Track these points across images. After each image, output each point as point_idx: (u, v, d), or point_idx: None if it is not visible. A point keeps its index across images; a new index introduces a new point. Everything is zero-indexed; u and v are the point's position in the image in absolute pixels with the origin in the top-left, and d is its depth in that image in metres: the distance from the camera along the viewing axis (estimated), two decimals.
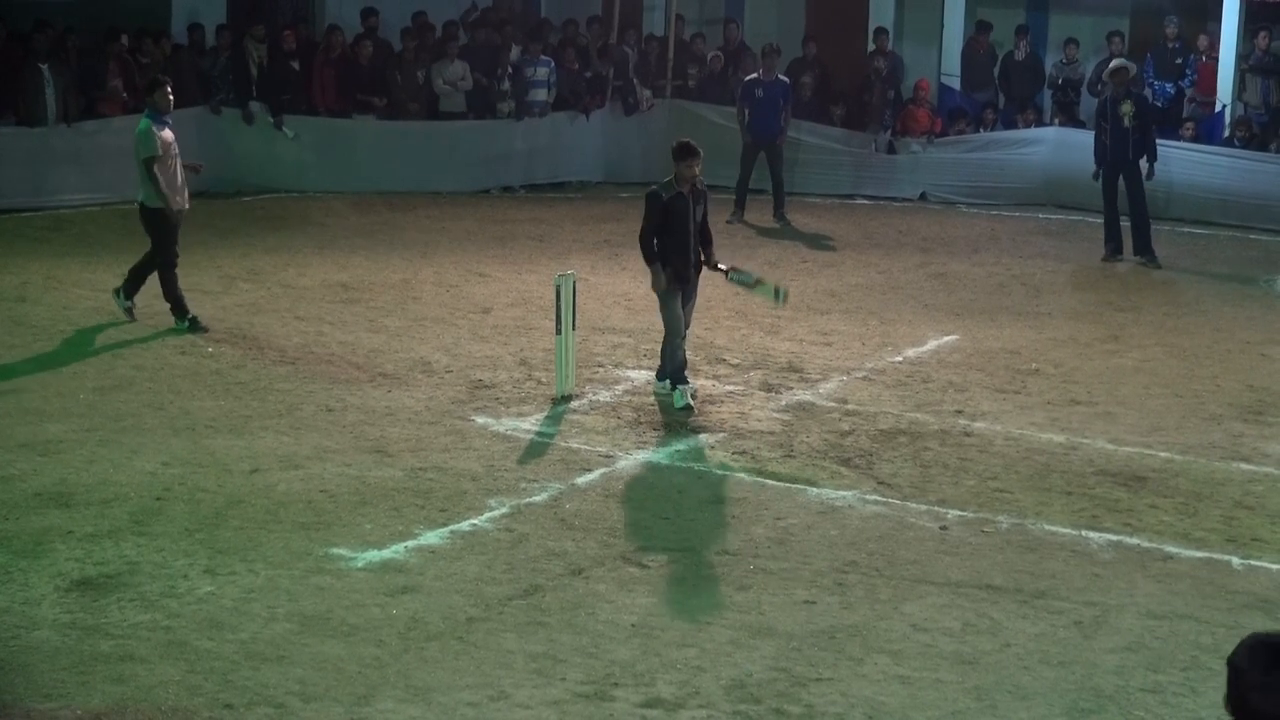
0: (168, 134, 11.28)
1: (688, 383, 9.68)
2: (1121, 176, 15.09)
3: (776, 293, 10.03)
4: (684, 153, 9.49)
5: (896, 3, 20.69)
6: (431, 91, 18.76)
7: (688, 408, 9.47)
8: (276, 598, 6.57)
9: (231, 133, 17.40)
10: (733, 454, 8.79)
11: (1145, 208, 15.04)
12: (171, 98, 11.45)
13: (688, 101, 20.18)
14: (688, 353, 9.88)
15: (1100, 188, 15.33)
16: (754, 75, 17.35)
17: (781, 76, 17.50)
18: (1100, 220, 15.48)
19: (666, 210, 9.55)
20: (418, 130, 18.57)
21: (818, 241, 15.87)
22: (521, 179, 19.22)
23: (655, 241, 9.61)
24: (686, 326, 9.75)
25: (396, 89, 18.54)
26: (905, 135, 19.08)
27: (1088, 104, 18.71)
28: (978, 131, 19.13)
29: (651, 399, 9.81)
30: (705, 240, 9.74)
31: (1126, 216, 15.11)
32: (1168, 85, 18.58)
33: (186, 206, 11.51)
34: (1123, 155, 15.06)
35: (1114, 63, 15.92)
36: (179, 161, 11.40)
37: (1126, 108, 15.06)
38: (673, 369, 9.68)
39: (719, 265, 9.76)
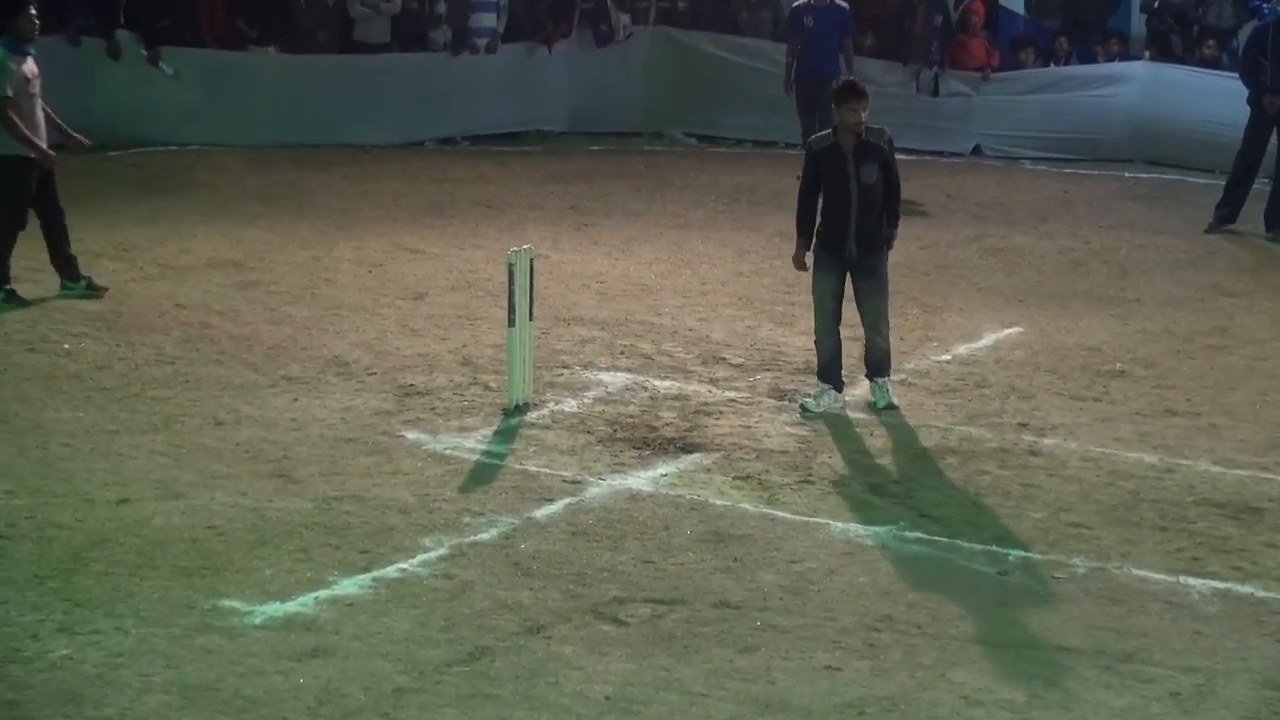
0: (30, 66, 11.35)
1: (838, 387, 9.93)
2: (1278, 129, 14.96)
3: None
4: (843, 94, 9.66)
5: None
6: (346, 16, 18.75)
7: (812, 413, 9.73)
8: (151, 663, 6.51)
9: (94, 69, 17.39)
10: (734, 479, 8.77)
11: None
12: (38, 22, 11.55)
13: (677, 29, 20.24)
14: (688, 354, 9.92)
15: (1251, 130, 15.03)
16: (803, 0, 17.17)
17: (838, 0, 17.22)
18: (1202, 179, 15.52)
19: (818, 165, 9.77)
20: (330, 67, 18.59)
21: None
22: (463, 128, 19.25)
23: (807, 205, 9.90)
24: (870, 323, 9.92)
25: (301, 13, 18.54)
26: (955, 72, 19.12)
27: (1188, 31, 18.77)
28: (1046, 66, 19.19)
29: (633, 410, 9.82)
30: (886, 208, 9.87)
31: (1261, 179, 15.04)
32: None
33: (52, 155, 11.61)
34: None
35: None
36: (39, 101, 11.46)
37: None
38: (819, 365, 10.01)
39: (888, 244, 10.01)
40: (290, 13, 18.52)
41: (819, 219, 9.90)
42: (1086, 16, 19.56)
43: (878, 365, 10.00)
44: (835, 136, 9.72)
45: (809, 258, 10.06)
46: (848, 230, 9.75)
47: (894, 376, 10.15)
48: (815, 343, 10.07)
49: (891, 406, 9.84)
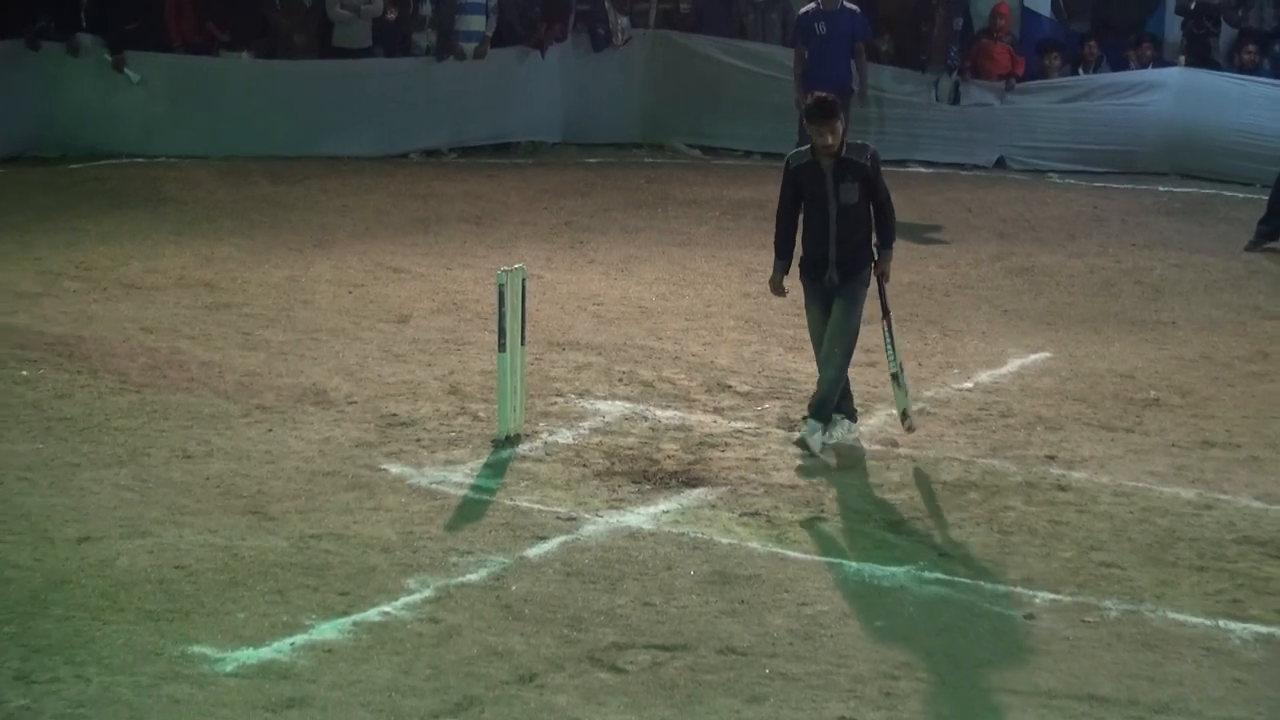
0: None
1: (826, 420, 9.73)
2: None
3: (904, 415, 10.02)
4: (813, 114, 9.58)
5: None
6: (324, 19, 18.79)
7: (810, 450, 9.60)
8: (115, 714, 6.50)
9: (55, 76, 17.41)
10: (741, 515, 8.77)
11: None
12: None
13: (679, 33, 20.27)
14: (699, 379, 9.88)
15: None
16: (812, 4, 17.12)
17: (849, 3, 17.18)
18: (1241, 193, 15.56)
19: (795, 182, 9.72)
20: (307, 73, 18.62)
21: None
22: (450, 139, 19.28)
23: (784, 225, 9.82)
24: (825, 346, 9.74)
25: (277, 16, 18.58)
26: (977, 79, 19.15)
27: (1227, 35, 18.82)
28: (1075, 74, 19.22)
29: (632, 442, 9.83)
30: (877, 230, 9.73)
31: None
32: None
33: None
34: None
35: None
36: None
37: None
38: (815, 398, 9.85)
39: (884, 276, 9.85)
40: (264, 15, 18.55)
41: (800, 244, 9.80)
42: (1121, 18, 19.56)
43: (814, 400, 9.76)
44: (813, 154, 9.65)
45: (787, 282, 9.94)
46: (828, 255, 9.62)
47: (911, 405, 10.10)
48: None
49: (802, 445, 9.61)
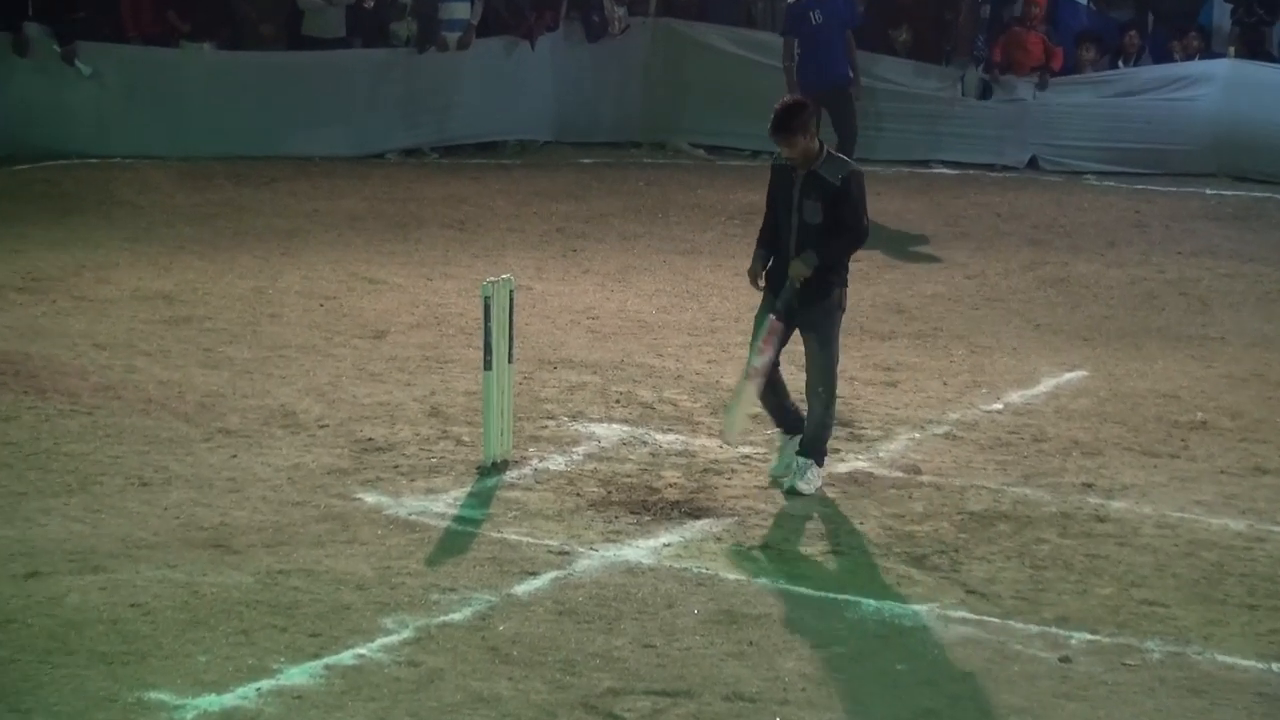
0: None
1: (820, 459, 9.59)
2: None
3: (729, 423, 9.90)
4: (771, 125, 9.44)
5: None
6: (295, 6, 18.82)
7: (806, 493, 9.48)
8: None
9: None
10: (749, 549, 8.78)
11: None
12: None
13: (682, 21, 20.29)
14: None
15: None
16: None
17: None
18: None
19: (772, 181, 9.71)
20: (275, 66, 18.65)
21: (876, 230, 15.89)
22: (432, 138, 19.30)
23: (768, 218, 9.76)
24: (808, 385, 9.60)
25: (243, 3, 18.60)
26: (1008, 73, 19.16)
27: None
28: (1115, 66, 19.23)
29: (631, 468, 9.84)
30: (826, 240, 9.41)
31: None
32: None
33: None
34: None
35: None
36: None
37: None
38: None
39: (797, 282, 9.45)
40: (229, 3, 18.57)
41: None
42: (1167, 6, 19.55)
43: (805, 440, 9.62)
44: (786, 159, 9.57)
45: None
46: (785, 267, 9.50)
47: (930, 429, 10.14)
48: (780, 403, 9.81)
49: (794, 492, 9.48)
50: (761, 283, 9.68)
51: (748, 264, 9.89)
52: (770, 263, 9.67)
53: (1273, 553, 8.84)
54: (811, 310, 9.54)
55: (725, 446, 10.15)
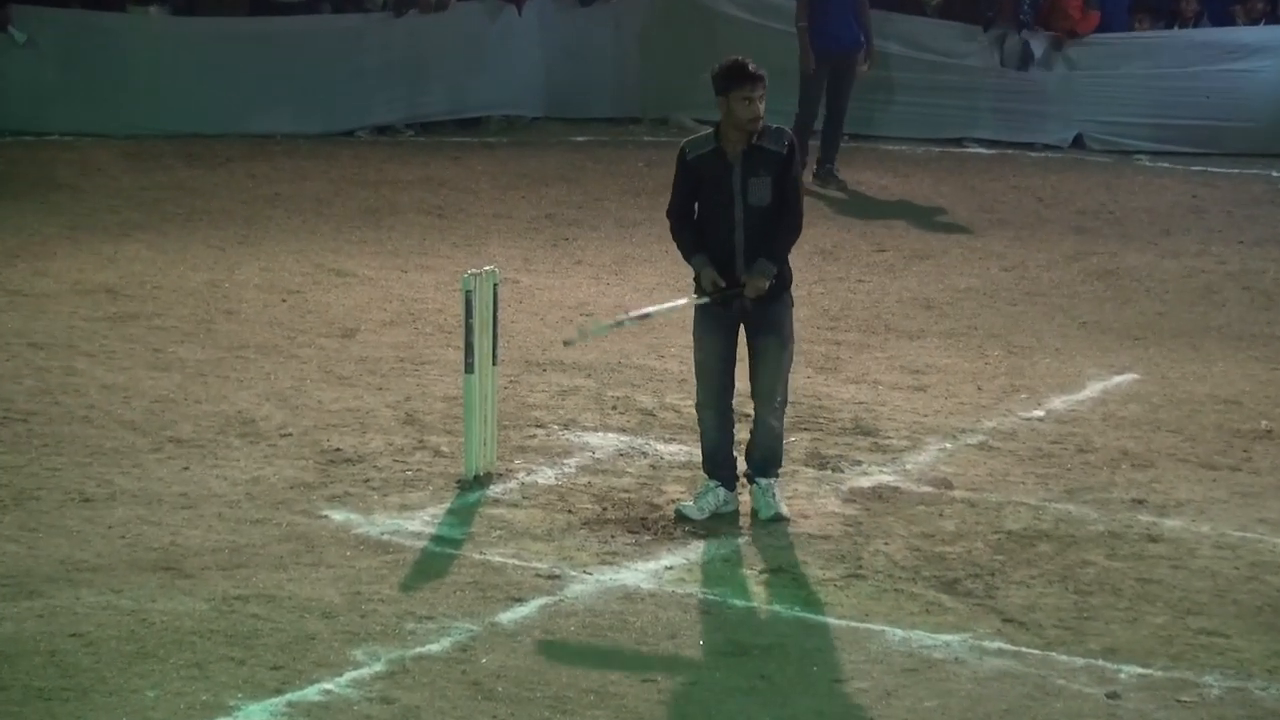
0: None
1: (729, 484, 9.59)
2: None
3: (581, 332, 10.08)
4: (730, 78, 9.43)
5: None
6: None
7: (693, 520, 9.42)
8: None
9: None
10: (761, 573, 8.85)
11: None
12: None
13: None
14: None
15: None
16: None
17: None
18: None
19: (693, 178, 9.54)
20: (233, 33, 18.66)
21: (903, 216, 16.00)
22: (407, 114, 19.34)
23: (684, 230, 9.57)
24: (763, 394, 9.53)
25: None
26: (1049, 38, 19.18)
27: None
28: (1170, 30, 19.23)
29: (629, 482, 9.94)
30: (774, 234, 9.40)
31: None
32: None
33: None
34: None
35: None
36: None
37: None
38: (703, 454, 9.68)
39: (743, 282, 9.37)
40: None
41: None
42: None
43: (764, 459, 9.58)
44: (718, 140, 9.45)
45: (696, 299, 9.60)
46: (734, 271, 9.38)
47: (964, 439, 10.25)
48: (698, 420, 9.72)
49: (779, 519, 9.45)
50: (722, 282, 9.40)
51: None
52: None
53: None
54: (768, 308, 9.48)
55: (567, 343, 10.45)
